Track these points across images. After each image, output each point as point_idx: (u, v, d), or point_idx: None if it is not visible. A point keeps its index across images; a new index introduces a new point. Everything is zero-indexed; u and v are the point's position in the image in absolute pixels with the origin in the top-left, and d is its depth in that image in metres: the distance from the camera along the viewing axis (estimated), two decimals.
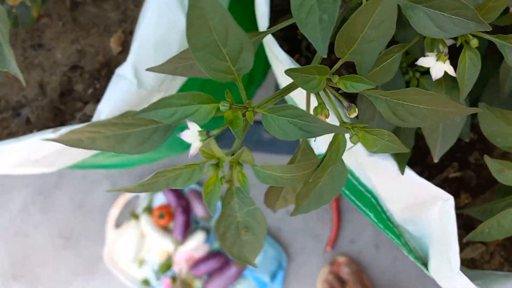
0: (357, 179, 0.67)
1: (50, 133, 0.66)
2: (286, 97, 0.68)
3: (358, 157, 0.58)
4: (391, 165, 0.56)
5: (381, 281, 1.42)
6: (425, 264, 0.67)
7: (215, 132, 0.44)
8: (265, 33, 0.52)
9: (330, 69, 0.45)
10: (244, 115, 0.44)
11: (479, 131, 0.78)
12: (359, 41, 0.42)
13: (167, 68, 0.53)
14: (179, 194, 1.43)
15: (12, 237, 1.50)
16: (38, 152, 0.68)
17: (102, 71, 0.80)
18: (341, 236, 1.43)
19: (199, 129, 0.43)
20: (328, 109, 0.46)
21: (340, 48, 0.43)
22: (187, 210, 1.41)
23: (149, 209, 1.45)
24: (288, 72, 0.42)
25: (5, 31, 0.55)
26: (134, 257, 1.44)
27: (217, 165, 0.44)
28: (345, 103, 0.46)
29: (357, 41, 0.42)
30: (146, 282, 1.45)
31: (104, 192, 1.49)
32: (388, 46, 0.59)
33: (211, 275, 1.42)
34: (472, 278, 0.59)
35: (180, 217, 1.41)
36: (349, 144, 0.58)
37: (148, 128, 0.46)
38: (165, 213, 1.42)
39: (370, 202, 0.68)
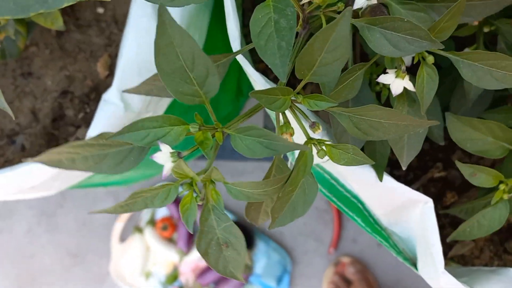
0: (342, 186, 0.68)
1: None
2: (269, 113, 0.70)
3: (337, 167, 0.60)
4: (368, 172, 0.58)
5: (386, 278, 1.43)
6: (415, 264, 0.69)
7: (185, 153, 0.46)
8: (235, 54, 0.54)
9: (295, 88, 0.47)
10: (213, 135, 0.46)
11: None
12: (318, 64, 0.43)
13: (142, 89, 0.55)
14: None
15: (19, 259, 1.52)
16: (33, 179, 0.70)
17: (91, 95, 0.82)
18: (343, 236, 1.45)
19: (171, 150, 0.45)
20: (292, 128, 0.48)
21: (301, 71, 0.45)
22: None
23: (152, 222, 1.47)
24: (253, 94, 0.44)
25: None
26: (141, 270, 1.46)
27: (190, 184, 0.45)
28: (309, 122, 0.48)
29: (315, 64, 0.44)
30: None
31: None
32: (357, 57, 0.62)
33: (217, 283, 1.44)
34: (458, 276, 0.60)
35: (184, 228, 1.42)
36: (324, 158, 0.60)
37: (124, 149, 0.47)
38: (168, 224, 1.44)
39: (356, 207, 0.70)
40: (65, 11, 0.82)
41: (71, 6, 0.82)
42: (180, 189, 0.46)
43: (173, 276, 1.46)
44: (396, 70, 0.51)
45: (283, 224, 0.48)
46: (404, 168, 0.52)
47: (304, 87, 0.73)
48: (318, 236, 1.46)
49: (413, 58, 0.52)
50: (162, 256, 1.44)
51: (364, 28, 0.46)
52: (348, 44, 0.41)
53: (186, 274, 1.45)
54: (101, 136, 0.47)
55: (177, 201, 1.44)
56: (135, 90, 0.55)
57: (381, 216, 0.67)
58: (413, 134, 0.52)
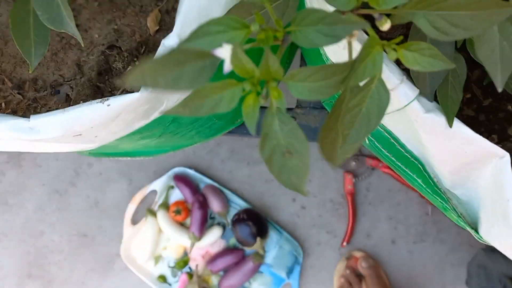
0: (402, 146, 0.67)
1: (98, 103, 0.66)
2: (324, 57, 0.69)
3: (412, 115, 0.59)
4: (441, 120, 0.56)
5: (398, 275, 1.42)
6: (475, 229, 0.67)
7: (246, 46, 0.45)
8: None
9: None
10: (275, 36, 0.46)
11: None
12: None
13: None
14: (195, 190, 1.43)
15: (28, 237, 1.49)
16: (84, 123, 0.68)
17: (140, 49, 0.80)
18: (356, 231, 1.44)
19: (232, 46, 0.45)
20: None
21: None
22: (203, 205, 1.41)
23: (165, 205, 1.45)
24: None
25: None
26: (151, 254, 1.44)
27: (252, 83, 0.45)
28: (376, 15, 0.46)
29: None
30: (162, 278, 1.44)
31: (120, 189, 1.49)
32: None
33: (227, 271, 1.42)
34: None
35: (197, 213, 1.40)
36: (400, 104, 0.59)
37: (198, 64, 0.47)
38: (182, 208, 1.42)
39: (417, 168, 0.68)
40: None
41: None
42: None
43: (183, 261, 1.44)
44: None
45: (357, 140, 0.46)
46: (499, 89, 0.50)
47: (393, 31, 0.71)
48: (331, 229, 1.45)
49: None
50: (174, 240, 1.42)
51: None
52: None
53: (196, 260, 1.43)
54: (172, 50, 0.47)
55: (190, 185, 1.43)
56: None
57: (445, 175, 0.66)
58: (507, 45, 0.49)
